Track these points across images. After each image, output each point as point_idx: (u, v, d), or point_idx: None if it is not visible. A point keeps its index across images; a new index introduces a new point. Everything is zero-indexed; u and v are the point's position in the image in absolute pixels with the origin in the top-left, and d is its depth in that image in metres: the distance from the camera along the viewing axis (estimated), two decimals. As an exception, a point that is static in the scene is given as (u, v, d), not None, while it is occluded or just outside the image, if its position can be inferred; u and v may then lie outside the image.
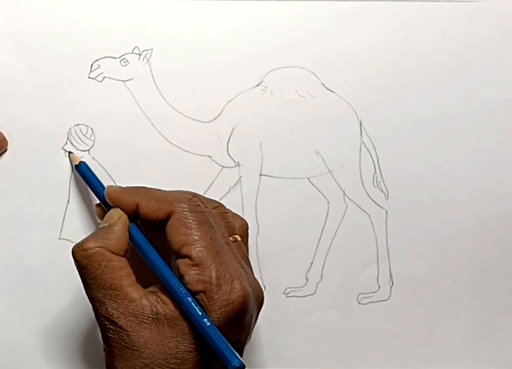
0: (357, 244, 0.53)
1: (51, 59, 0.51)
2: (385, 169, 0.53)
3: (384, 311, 0.53)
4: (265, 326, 0.52)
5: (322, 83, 0.52)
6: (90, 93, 0.51)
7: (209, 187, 0.52)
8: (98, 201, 0.48)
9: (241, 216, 0.50)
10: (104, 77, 0.51)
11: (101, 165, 0.51)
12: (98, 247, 0.42)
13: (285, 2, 0.52)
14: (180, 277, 0.42)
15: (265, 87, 0.52)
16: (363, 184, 0.53)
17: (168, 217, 0.43)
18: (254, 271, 0.52)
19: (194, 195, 0.45)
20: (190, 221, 0.43)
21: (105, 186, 0.47)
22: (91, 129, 0.51)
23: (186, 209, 0.43)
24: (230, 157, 0.52)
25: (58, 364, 0.51)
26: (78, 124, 0.51)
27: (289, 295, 0.52)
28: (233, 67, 0.52)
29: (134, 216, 0.45)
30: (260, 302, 0.45)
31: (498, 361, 0.54)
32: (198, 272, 0.41)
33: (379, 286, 0.53)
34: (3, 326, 0.51)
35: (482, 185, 0.53)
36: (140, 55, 0.51)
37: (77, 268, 0.43)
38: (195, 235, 0.42)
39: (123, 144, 0.51)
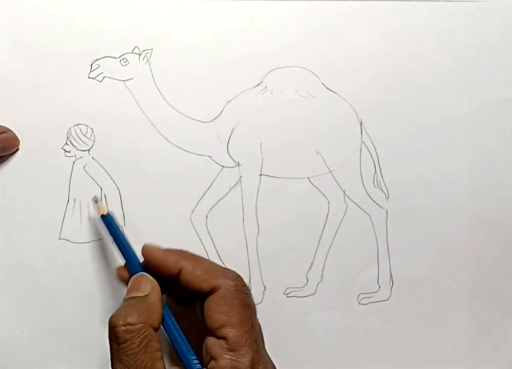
0: (357, 244, 0.53)
1: (51, 59, 0.51)
2: (385, 169, 0.53)
3: (384, 311, 0.53)
4: (266, 326, 0.52)
5: (322, 83, 0.52)
6: (90, 92, 0.51)
7: (209, 187, 0.52)
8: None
9: (242, 215, 0.50)
10: (104, 77, 0.51)
11: (101, 165, 0.51)
12: (142, 323, 0.40)
13: (285, 2, 0.52)
14: (212, 358, 0.40)
15: (266, 87, 0.52)
16: (363, 184, 0.53)
17: (211, 291, 0.41)
18: (254, 271, 0.52)
19: (238, 275, 0.44)
20: (235, 301, 0.41)
21: (144, 245, 0.45)
22: (91, 129, 0.51)
23: (233, 288, 0.41)
24: (230, 157, 0.52)
25: (58, 364, 0.51)
26: (78, 124, 0.51)
27: (289, 295, 0.52)
28: (233, 67, 0.52)
29: (171, 281, 0.43)
30: None
31: (498, 361, 0.54)
32: (233, 358, 0.39)
33: (379, 286, 0.53)
34: (3, 326, 0.51)
35: (482, 185, 0.53)
36: (140, 54, 0.51)
37: (113, 340, 0.40)
38: (237, 318, 0.40)
39: (123, 144, 0.51)
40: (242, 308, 0.41)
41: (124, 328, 0.40)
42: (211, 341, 0.40)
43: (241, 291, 0.42)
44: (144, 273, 0.43)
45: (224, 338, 0.40)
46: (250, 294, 0.42)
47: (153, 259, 0.43)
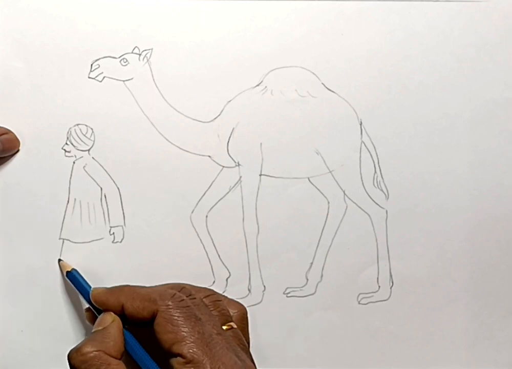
0: (357, 244, 0.53)
1: (51, 59, 0.51)
2: (385, 169, 0.53)
3: (384, 311, 0.53)
4: (266, 326, 0.52)
5: (322, 83, 0.52)
6: (90, 93, 0.51)
7: (209, 187, 0.52)
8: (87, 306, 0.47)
9: (242, 215, 0.50)
10: (104, 77, 0.51)
11: (101, 165, 0.51)
12: (96, 351, 0.42)
13: (285, 2, 0.52)
14: None
15: (266, 87, 0.52)
16: (363, 184, 0.53)
17: (153, 316, 0.43)
18: (254, 271, 0.52)
19: (182, 288, 0.45)
20: (175, 317, 0.42)
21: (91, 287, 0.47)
22: (91, 129, 0.51)
23: (170, 307, 0.43)
24: (230, 157, 0.52)
25: (58, 364, 0.51)
26: (78, 124, 0.51)
27: (289, 295, 0.52)
28: (233, 67, 0.52)
29: (122, 315, 0.45)
30: None
31: (498, 361, 0.54)
32: None
33: (379, 286, 0.53)
34: (3, 326, 0.51)
35: (482, 185, 0.53)
36: (140, 55, 0.51)
37: None
38: (183, 332, 0.42)
39: (123, 144, 0.51)
40: (185, 321, 0.42)
41: (79, 358, 0.41)
42: (171, 361, 0.42)
43: (180, 306, 0.43)
44: (108, 312, 0.45)
45: (179, 354, 0.41)
46: (190, 306, 0.43)
47: (98, 302, 0.45)
